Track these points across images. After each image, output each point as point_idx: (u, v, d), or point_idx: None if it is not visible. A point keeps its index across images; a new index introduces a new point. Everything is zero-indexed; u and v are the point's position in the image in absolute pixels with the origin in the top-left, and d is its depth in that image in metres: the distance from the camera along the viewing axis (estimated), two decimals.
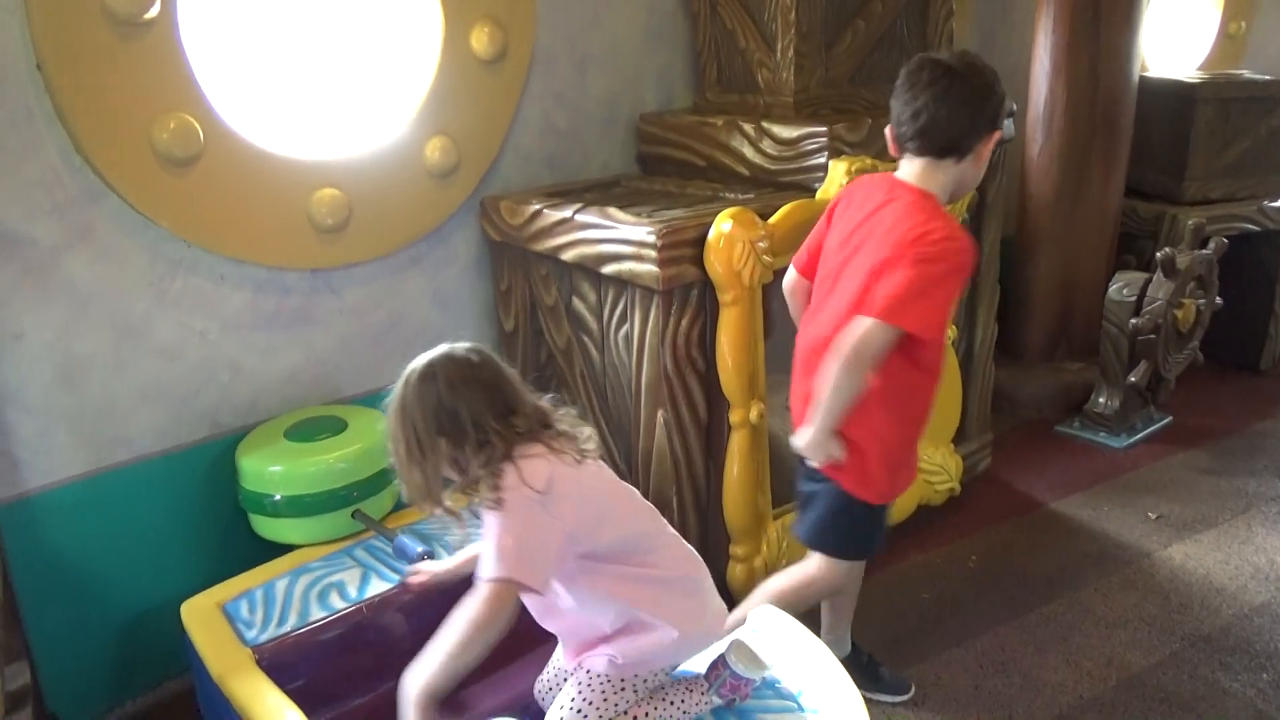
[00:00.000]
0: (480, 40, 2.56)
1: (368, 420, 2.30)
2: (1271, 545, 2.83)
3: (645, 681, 1.62)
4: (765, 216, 2.30)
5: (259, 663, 1.85)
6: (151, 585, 2.31)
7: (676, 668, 1.70)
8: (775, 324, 2.39)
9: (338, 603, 2.01)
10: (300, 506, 2.17)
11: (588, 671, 1.61)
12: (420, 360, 1.51)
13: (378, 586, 2.04)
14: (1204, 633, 2.45)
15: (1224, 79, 4.02)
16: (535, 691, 1.83)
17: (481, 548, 1.46)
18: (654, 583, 1.58)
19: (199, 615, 2.01)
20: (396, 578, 2.05)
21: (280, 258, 2.38)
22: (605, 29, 2.91)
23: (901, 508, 2.71)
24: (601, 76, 2.94)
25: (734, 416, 2.34)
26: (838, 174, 2.42)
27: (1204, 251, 3.51)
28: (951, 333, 2.89)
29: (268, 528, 2.24)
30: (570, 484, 1.48)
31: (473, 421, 1.45)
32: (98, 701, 2.32)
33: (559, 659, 1.77)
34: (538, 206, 2.51)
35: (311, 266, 2.45)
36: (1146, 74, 3.91)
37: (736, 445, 2.35)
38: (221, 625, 1.97)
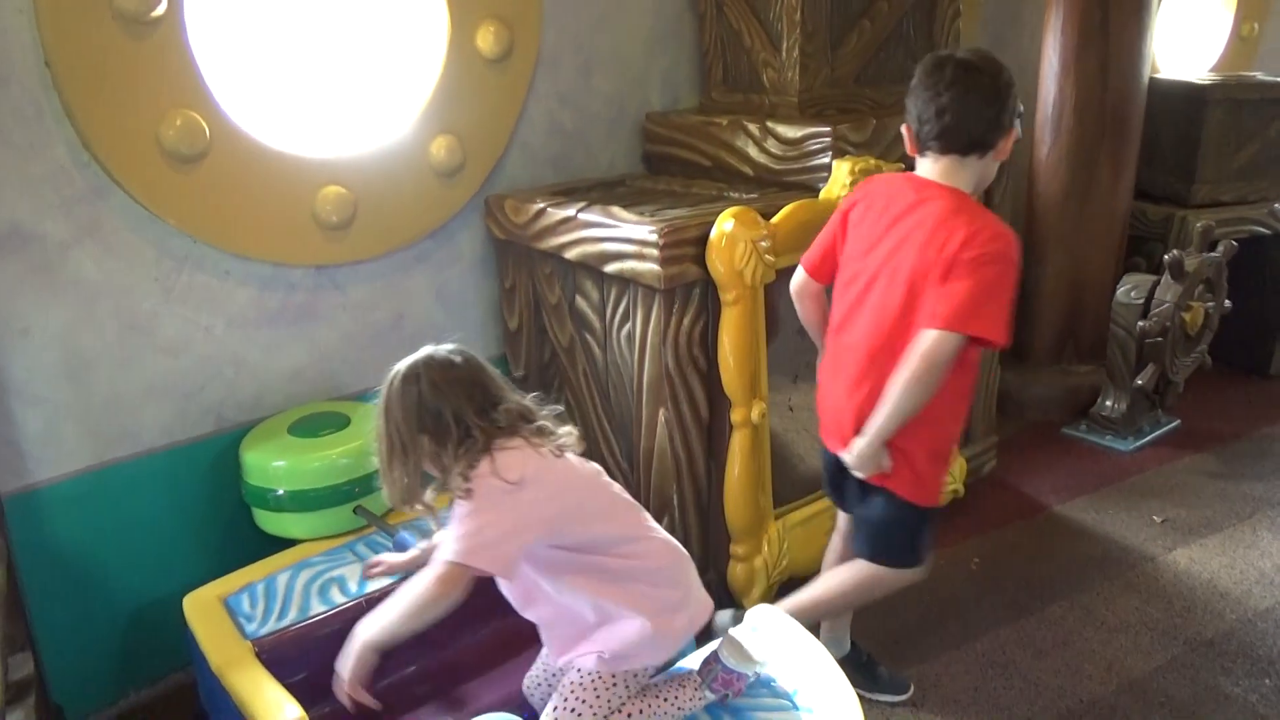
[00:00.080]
0: (486, 39, 2.57)
1: (371, 417, 2.31)
2: (1277, 550, 2.81)
3: (636, 677, 1.64)
4: (769, 216, 2.30)
5: (259, 656, 1.86)
6: (155, 578, 2.33)
7: (672, 664, 1.71)
8: (781, 324, 2.39)
9: (338, 597, 2.02)
10: (303, 502, 2.19)
11: (578, 670, 1.63)
12: (403, 363, 1.56)
13: (378, 582, 2.04)
14: (1206, 637, 2.44)
15: (1235, 80, 3.98)
16: (524, 688, 1.85)
17: (444, 535, 1.50)
18: (635, 574, 1.60)
19: (201, 608, 2.02)
20: (396, 575, 2.05)
21: (285, 254, 2.40)
22: (611, 28, 2.91)
23: None
24: (607, 76, 2.95)
25: (735, 416, 2.34)
26: (841, 174, 2.42)
27: (1212, 254, 3.48)
28: None
29: (270, 522, 2.25)
30: (548, 476, 1.52)
31: (454, 418, 1.49)
32: (101, 693, 2.34)
33: (546, 656, 1.78)
34: (542, 205, 2.51)
35: (316, 263, 2.46)
36: (1157, 75, 3.89)
37: (738, 444, 2.35)
38: (223, 618, 1.99)
